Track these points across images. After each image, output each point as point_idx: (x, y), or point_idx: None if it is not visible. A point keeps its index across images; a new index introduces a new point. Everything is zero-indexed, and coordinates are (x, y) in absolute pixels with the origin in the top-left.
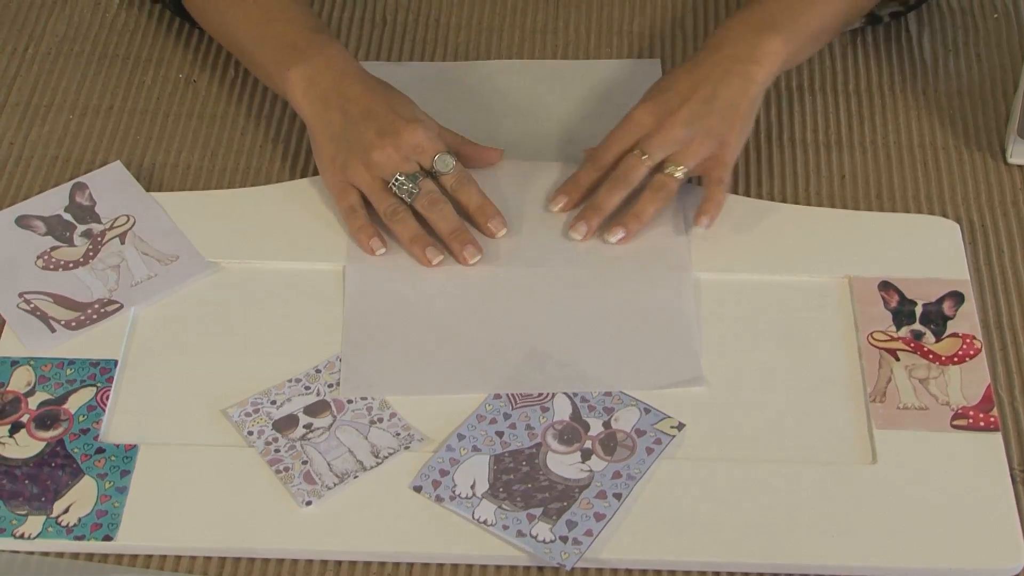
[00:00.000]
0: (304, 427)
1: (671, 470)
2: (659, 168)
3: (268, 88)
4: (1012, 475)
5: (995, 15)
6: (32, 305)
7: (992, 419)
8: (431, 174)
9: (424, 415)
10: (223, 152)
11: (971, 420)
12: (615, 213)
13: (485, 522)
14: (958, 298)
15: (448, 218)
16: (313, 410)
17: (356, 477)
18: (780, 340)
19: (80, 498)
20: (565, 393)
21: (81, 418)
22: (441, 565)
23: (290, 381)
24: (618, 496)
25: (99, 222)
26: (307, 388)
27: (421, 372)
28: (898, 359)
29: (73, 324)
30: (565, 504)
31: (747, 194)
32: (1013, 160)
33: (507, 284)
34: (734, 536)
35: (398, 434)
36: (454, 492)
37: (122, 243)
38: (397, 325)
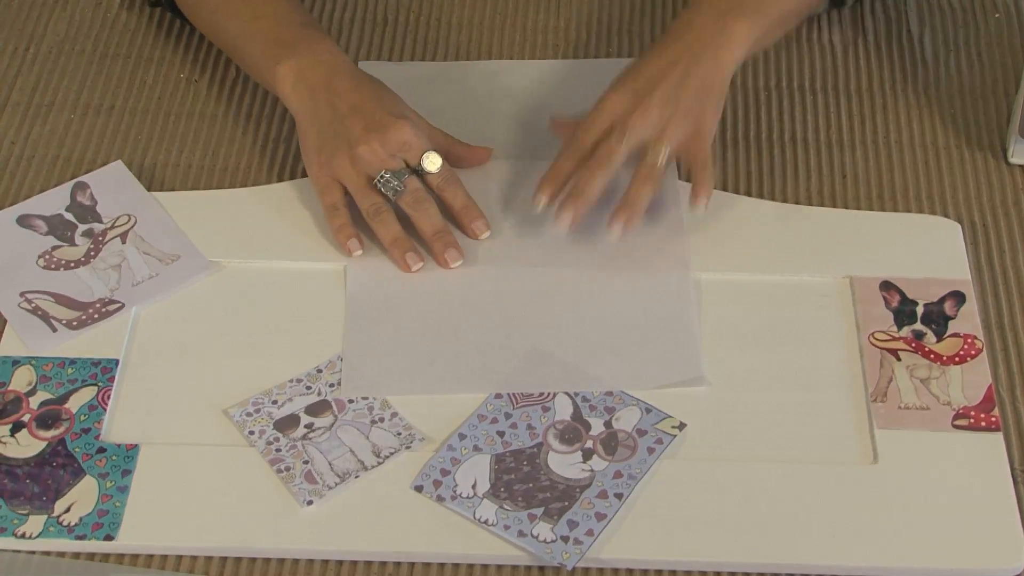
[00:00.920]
0: (305, 427)
1: (672, 470)
2: (641, 155)
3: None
4: (1013, 475)
5: (996, 14)
6: (33, 305)
7: (993, 419)
8: (417, 172)
9: (425, 415)
10: (224, 152)
11: (972, 420)
12: (602, 203)
13: (486, 522)
14: (959, 298)
15: (432, 218)
16: (314, 410)
17: (357, 477)
18: (781, 340)
19: (81, 498)
20: (566, 393)
21: (82, 417)
22: (442, 565)
23: (291, 381)
24: (619, 496)
25: (100, 222)
26: (308, 388)
27: (422, 372)
28: (899, 359)
29: (74, 324)
30: (566, 504)
31: (748, 193)
32: (1014, 160)
33: (508, 284)
34: (735, 536)
35: (399, 434)
36: (455, 492)
37: (123, 243)
38: (398, 325)
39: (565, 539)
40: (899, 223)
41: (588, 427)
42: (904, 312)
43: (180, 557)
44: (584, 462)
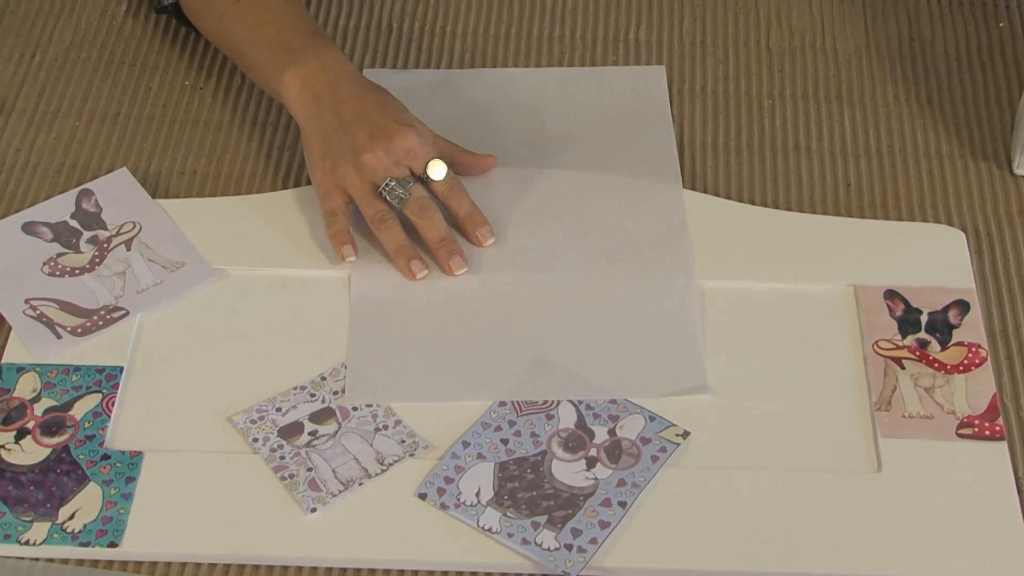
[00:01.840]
0: (309, 434)
1: (676, 478)
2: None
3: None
4: (1018, 484)
5: (1001, 24)
6: (38, 311)
7: (998, 428)
8: (421, 180)
9: (429, 422)
10: (229, 159)
11: (976, 429)
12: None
13: (490, 530)
14: (964, 307)
15: (437, 226)
16: (318, 417)
17: (361, 484)
18: (785, 348)
19: (85, 504)
20: (570, 400)
21: (87, 424)
22: (446, 573)
23: (295, 388)
24: (623, 504)
25: (105, 229)
26: (312, 395)
27: (426, 379)
28: (903, 367)
29: (79, 331)
30: (570, 512)
31: (752, 201)
32: (1020, 171)
33: (512, 291)
34: (739, 544)
35: (403, 441)
36: (459, 499)
37: (128, 250)
38: (402, 332)
39: (569, 547)
40: (903, 232)
41: (592, 435)
42: (908, 321)
43: (184, 564)
44: (588, 470)
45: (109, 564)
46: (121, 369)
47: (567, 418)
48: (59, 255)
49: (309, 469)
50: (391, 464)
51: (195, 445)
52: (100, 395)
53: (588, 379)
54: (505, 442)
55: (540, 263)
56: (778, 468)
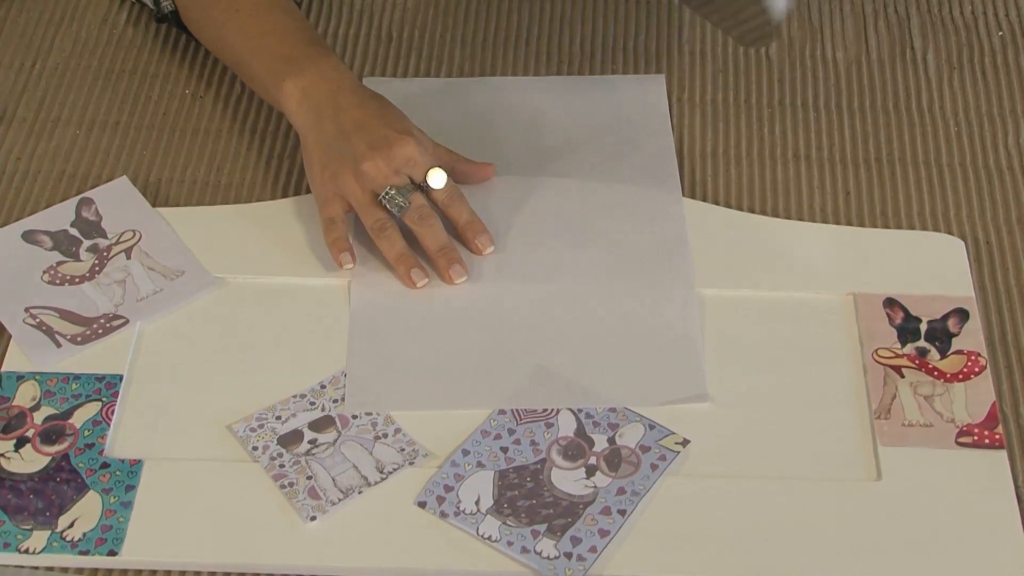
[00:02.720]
0: (309, 442)
1: (675, 486)
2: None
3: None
4: (1017, 493)
5: (1000, 32)
6: (38, 320)
7: (997, 436)
8: (421, 188)
9: (429, 431)
10: (229, 167)
11: (976, 437)
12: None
13: (489, 538)
14: (963, 315)
15: (437, 235)
16: (318, 425)
17: (360, 492)
18: (784, 357)
19: (85, 513)
20: (570, 409)
21: (86, 433)
22: None
23: (295, 396)
24: (622, 512)
25: (105, 237)
26: (312, 403)
27: (426, 388)
28: (903, 376)
29: (79, 339)
30: (569, 520)
31: (751, 210)
32: None
33: (512, 300)
34: (738, 553)
35: (403, 449)
36: (458, 508)
37: (128, 258)
38: (402, 341)
39: (568, 555)
40: (902, 240)
41: (591, 443)
42: (908, 329)
43: (183, 573)
44: (587, 478)
45: (108, 573)
46: (121, 377)
47: (567, 426)
48: (59, 263)
49: (309, 477)
50: (391, 472)
51: (195, 453)
52: (100, 403)
53: (588, 387)
54: (505, 450)
55: (540, 272)
56: (778, 477)
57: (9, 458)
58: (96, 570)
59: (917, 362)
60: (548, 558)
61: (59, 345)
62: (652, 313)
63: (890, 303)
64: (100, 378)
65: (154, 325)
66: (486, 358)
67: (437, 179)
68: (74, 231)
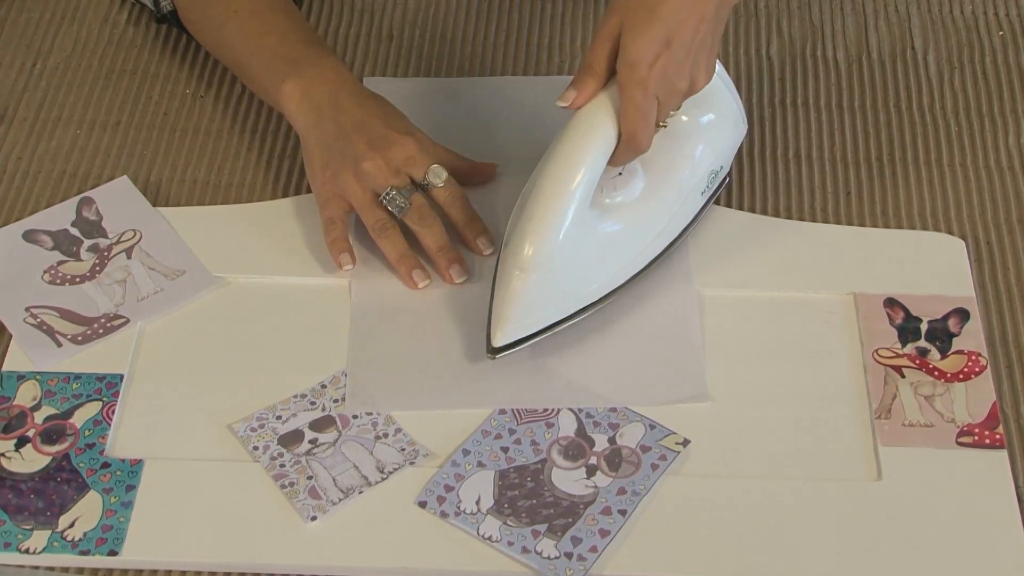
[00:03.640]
0: (309, 442)
1: (676, 486)
2: (419, 187)
3: None
4: (1017, 493)
5: (1000, 32)
6: (39, 320)
7: (998, 436)
8: (422, 187)
9: (429, 430)
10: (230, 167)
11: (977, 437)
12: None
13: (490, 538)
14: (963, 315)
15: (437, 235)
16: (318, 425)
17: (361, 492)
18: (785, 356)
19: (85, 513)
20: (570, 409)
21: (87, 433)
22: None
23: (296, 396)
24: (623, 512)
25: (106, 237)
26: (313, 403)
27: (426, 387)
28: (903, 376)
29: (79, 339)
30: (570, 520)
31: (752, 210)
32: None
33: None
34: (739, 553)
35: (403, 449)
36: (459, 508)
37: (128, 258)
38: (403, 340)
39: (569, 555)
40: (903, 240)
41: (592, 443)
42: (908, 329)
43: (184, 573)
44: (588, 478)
45: (109, 572)
46: (121, 377)
47: (567, 426)
48: (60, 263)
49: (309, 477)
50: (391, 472)
51: (195, 453)
52: (100, 403)
53: (588, 387)
54: (505, 450)
55: None
56: (778, 476)
57: (10, 458)
58: (97, 570)
59: (918, 362)
60: (548, 558)
61: (60, 345)
62: (652, 313)
63: (891, 303)
64: (101, 378)
65: (155, 325)
66: (486, 358)
67: (437, 176)
68: (75, 231)
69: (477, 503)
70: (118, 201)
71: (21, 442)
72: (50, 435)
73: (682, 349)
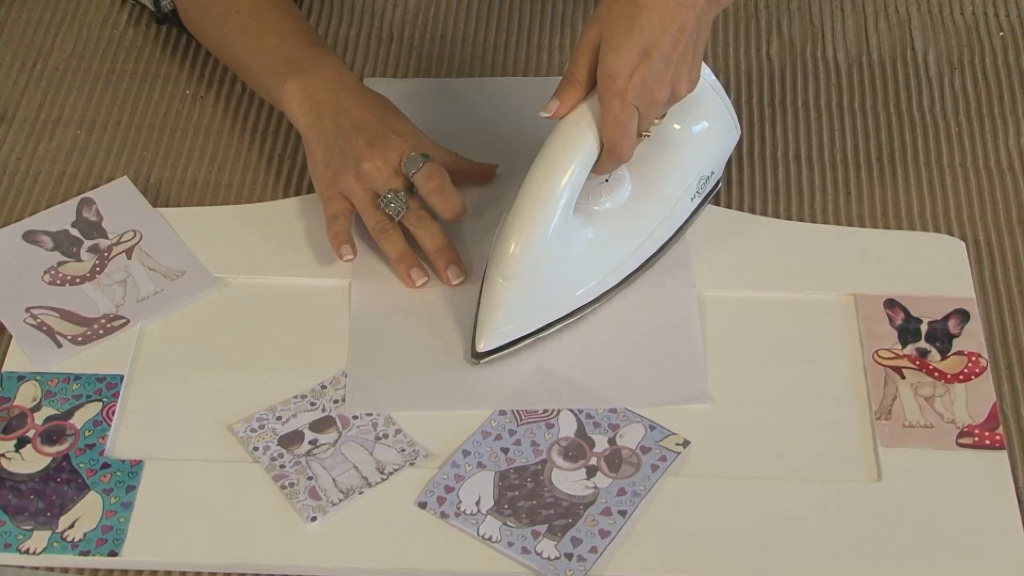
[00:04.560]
0: (309, 443)
1: (676, 487)
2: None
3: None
4: (1018, 494)
5: (1001, 32)
6: (39, 320)
7: (998, 437)
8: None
9: (429, 431)
10: (230, 168)
11: (977, 438)
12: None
13: (490, 539)
14: (964, 316)
15: (435, 236)
16: (318, 426)
17: (361, 493)
18: (785, 357)
19: (85, 513)
20: (570, 410)
21: (87, 433)
22: None
23: (296, 397)
24: (623, 513)
25: (106, 237)
26: (313, 404)
27: (426, 388)
28: (903, 377)
29: (79, 339)
30: (570, 521)
31: (752, 211)
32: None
33: None
34: (739, 553)
35: (403, 450)
36: (459, 508)
37: (129, 258)
38: (403, 341)
39: (569, 556)
40: (903, 241)
41: (592, 444)
42: (908, 330)
43: (184, 573)
44: (588, 479)
45: (109, 573)
46: (121, 378)
47: (567, 427)
48: (60, 264)
49: (309, 478)
50: (391, 473)
51: (195, 454)
52: (100, 404)
53: (589, 388)
54: (505, 451)
55: None
56: (778, 477)
57: (10, 458)
58: (97, 570)
59: (918, 363)
60: (548, 559)
61: (60, 345)
62: (653, 314)
63: (891, 304)
64: (101, 378)
65: (155, 325)
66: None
67: (412, 163)
68: (75, 231)
69: (477, 504)
70: (118, 202)
71: (21, 443)
72: (50, 436)
73: (683, 350)
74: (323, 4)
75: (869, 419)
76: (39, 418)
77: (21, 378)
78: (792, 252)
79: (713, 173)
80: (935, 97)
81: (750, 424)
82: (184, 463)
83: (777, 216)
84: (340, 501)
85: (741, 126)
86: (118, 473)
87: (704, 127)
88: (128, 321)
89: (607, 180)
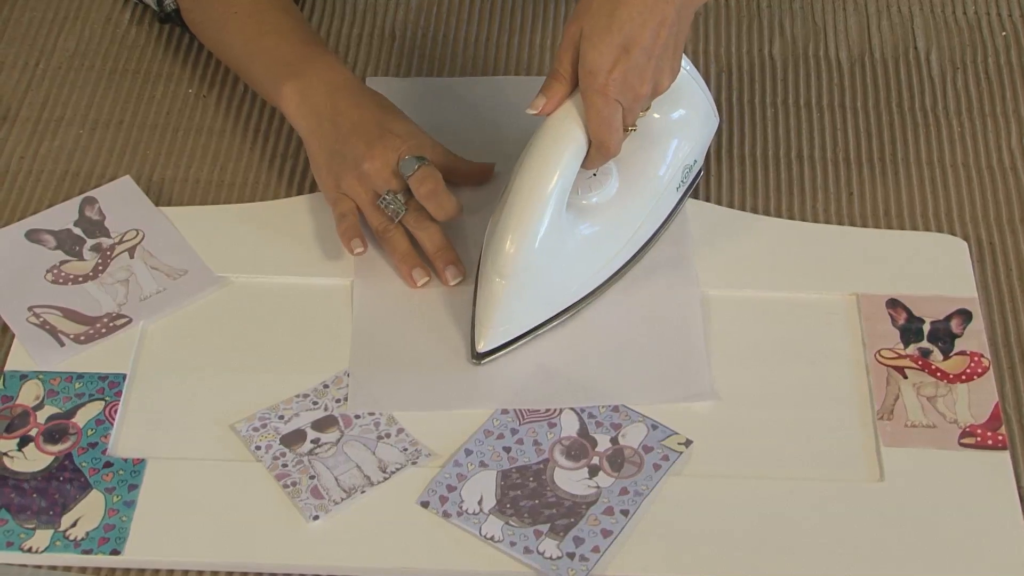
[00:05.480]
0: (312, 442)
1: (678, 487)
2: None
3: None
4: (1020, 494)
5: (1003, 32)
6: (41, 319)
7: (1000, 437)
8: None
9: (431, 430)
10: (232, 167)
11: (979, 438)
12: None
13: (492, 538)
14: (966, 316)
15: (433, 236)
16: (321, 425)
17: (363, 492)
18: (787, 357)
19: (88, 512)
20: (572, 409)
21: (89, 432)
22: None
23: (298, 396)
24: (625, 512)
25: (108, 236)
26: (315, 403)
27: (429, 387)
28: (906, 377)
29: (82, 338)
30: (572, 520)
31: (754, 211)
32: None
33: None
34: (741, 553)
35: (405, 449)
36: (461, 508)
37: (131, 257)
38: (405, 340)
39: (571, 556)
40: (906, 241)
41: (594, 443)
42: (911, 330)
43: (186, 572)
44: (590, 478)
45: (111, 572)
46: (124, 377)
47: (569, 426)
48: (62, 263)
49: (312, 477)
50: (393, 472)
51: (198, 453)
52: (103, 403)
53: (591, 387)
54: (507, 450)
55: None
56: (780, 477)
57: (12, 457)
58: (99, 569)
59: (920, 363)
60: (551, 558)
61: (62, 344)
62: (656, 313)
63: (893, 304)
64: (103, 377)
65: (157, 324)
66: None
67: (406, 166)
68: (77, 230)
69: (479, 503)
70: (121, 201)
71: (24, 441)
72: (53, 434)
73: (685, 349)
74: (325, 3)
75: (871, 419)
76: (42, 417)
77: (24, 377)
78: (794, 252)
79: (696, 162)
80: (937, 96)
81: (752, 424)
82: (186, 462)
83: (779, 216)
84: (342, 500)
85: (744, 125)
86: (120, 472)
87: (683, 115)
88: (131, 320)
89: (595, 175)
